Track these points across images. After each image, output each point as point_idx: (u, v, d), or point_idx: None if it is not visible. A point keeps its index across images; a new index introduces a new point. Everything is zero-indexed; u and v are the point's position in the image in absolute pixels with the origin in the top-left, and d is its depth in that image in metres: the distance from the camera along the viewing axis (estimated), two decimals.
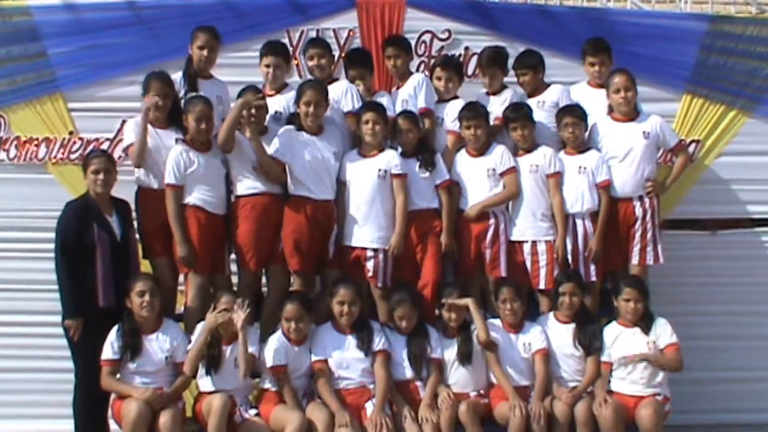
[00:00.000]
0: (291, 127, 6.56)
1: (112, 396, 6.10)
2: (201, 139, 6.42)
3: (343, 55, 7.19)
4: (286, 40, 7.18)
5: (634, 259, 6.70)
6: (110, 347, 6.04)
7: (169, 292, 6.56)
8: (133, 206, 6.53)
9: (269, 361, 6.13)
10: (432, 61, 7.25)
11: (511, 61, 6.96)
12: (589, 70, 6.97)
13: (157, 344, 6.11)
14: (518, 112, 6.69)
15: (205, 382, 6.15)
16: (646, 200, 6.70)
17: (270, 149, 6.45)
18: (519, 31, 7.35)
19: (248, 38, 6.98)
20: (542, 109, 6.83)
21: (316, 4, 7.39)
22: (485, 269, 6.65)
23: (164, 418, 5.87)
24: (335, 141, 6.59)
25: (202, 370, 6.11)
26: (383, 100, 6.77)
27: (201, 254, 6.39)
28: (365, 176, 6.50)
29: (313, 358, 6.22)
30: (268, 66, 6.71)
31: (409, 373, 6.29)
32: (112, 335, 6.06)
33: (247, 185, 6.47)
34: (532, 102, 6.84)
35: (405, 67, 6.94)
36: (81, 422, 6.25)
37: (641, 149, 6.70)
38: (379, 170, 6.47)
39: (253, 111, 6.37)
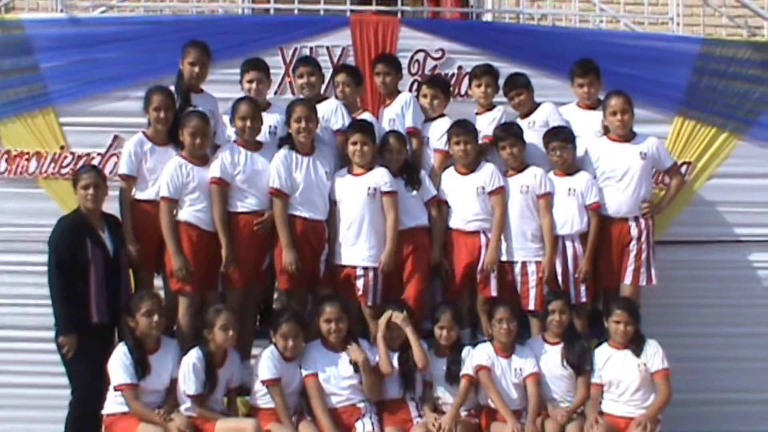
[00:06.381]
0: (286, 151, 6.48)
1: (105, 414, 5.97)
2: (196, 154, 6.39)
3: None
4: (279, 58, 7.20)
5: (627, 279, 6.67)
6: (124, 370, 5.88)
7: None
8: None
9: (263, 374, 6.08)
10: None
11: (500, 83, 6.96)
12: (578, 92, 6.96)
13: (162, 363, 6.01)
14: (508, 131, 6.68)
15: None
16: (642, 221, 6.69)
17: (273, 181, 6.40)
18: (512, 51, 7.35)
19: (241, 55, 6.91)
20: (533, 129, 6.81)
21: (309, 22, 7.39)
22: (476, 288, 6.63)
23: None
24: (327, 160, 6.58)
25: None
26: (366, 117, 6.74)
27: (192, 272, 6.34)
28: (355, 194, 6.47)
29: (303, 372, 6.17)
30: (251, 81, 6.67)
31: (398, 392, 6.26)
32: (122, 358, 5.91)
33: (239, 203, 6.42)
34: (523, 123, 6.83)
35: (394, 85, 6.94)
36: None
37: (638, 170, 6.69)
38: (369, 188, 6.44)
39: (248, 123, 6.37)
